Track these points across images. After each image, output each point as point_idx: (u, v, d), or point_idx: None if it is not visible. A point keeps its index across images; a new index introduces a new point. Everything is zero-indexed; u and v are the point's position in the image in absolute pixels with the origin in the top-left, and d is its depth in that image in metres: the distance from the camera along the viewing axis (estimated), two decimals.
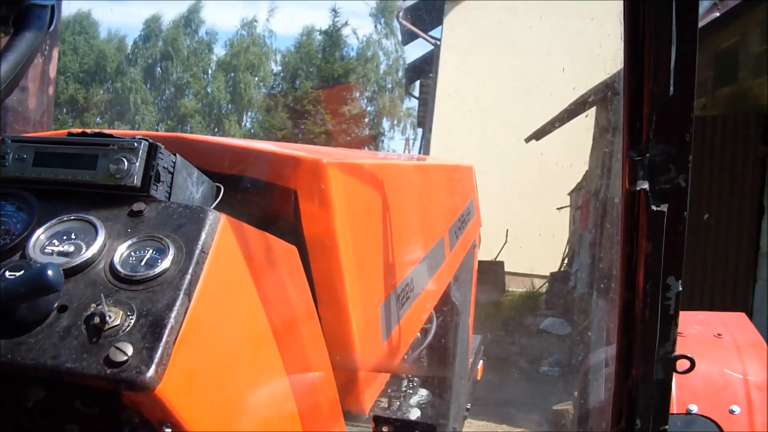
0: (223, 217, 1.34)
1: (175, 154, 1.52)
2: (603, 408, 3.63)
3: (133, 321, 1.18)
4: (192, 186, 1.60)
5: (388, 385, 2.58)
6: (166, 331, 1.16)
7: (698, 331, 3.14)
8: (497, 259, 18.60)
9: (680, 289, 1.51)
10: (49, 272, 1.13)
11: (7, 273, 1.26)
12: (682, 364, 1.62)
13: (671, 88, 1.34)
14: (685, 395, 2.44)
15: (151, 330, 1.17)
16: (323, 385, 1.75)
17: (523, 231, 18.35)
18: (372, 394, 2.20)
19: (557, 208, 19.92)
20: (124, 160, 1.39)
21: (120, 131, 1.57)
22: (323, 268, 1.80)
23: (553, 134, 15.96)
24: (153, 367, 1.12)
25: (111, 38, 54.12)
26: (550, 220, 19.66)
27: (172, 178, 1.50)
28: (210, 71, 55.39)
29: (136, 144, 1.40)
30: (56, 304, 1.22)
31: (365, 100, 47.98)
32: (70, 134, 1.49)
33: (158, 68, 53.85)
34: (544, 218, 19.48)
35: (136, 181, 1.39)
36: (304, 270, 1.66)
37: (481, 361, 4.56)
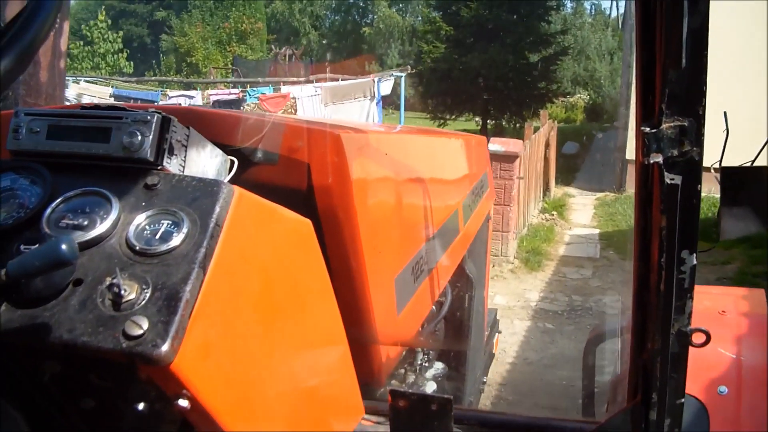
0: (237, 190, 1.34)
1: (188, 127, 1.52)
2: (606, 387, 3.64)
3: (148, 294, 1.19)
4: (206, 159, 1.60)
5: (403, 358, 2.60)
6: (182, 305, 1.17)
7: (705, 306, 3.09)
8: (756, 164, 9.33)
9: (695, 262, 1.51)
10: (64, 246, 1.14)
11: (22, 246, 1.27)
12: (698, 337, 1.62)
13: (683, 62, 1.33)
14: None
15: (167, 303, 1.17)
16: (339, 359, 1.76)
17: None
18: (388, 367, 2.21)
19: None
20: (138, 133, 1.39)
21: (134, 105, 1.57)
22: (337, 241, 1.80)
23: None
24: (168, 340, 1.13)
25: None
26: None
27: (186, 151, 1.50)
28: None
29: (149, 117, 1.41)
30: (71, 278, 1.23)
31: None
32: (83, 107, 1.49)
33: None
34: None
35: (150, 154, 1.39)
36: (319, 243, 1.66)
37: (497, 335, 4.57)
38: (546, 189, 16.92)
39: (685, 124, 1.38)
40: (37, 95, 2.55)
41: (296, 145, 1.77)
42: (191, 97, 19.67)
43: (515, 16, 29.24)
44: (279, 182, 1.78)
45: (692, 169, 1.42)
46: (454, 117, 30.01)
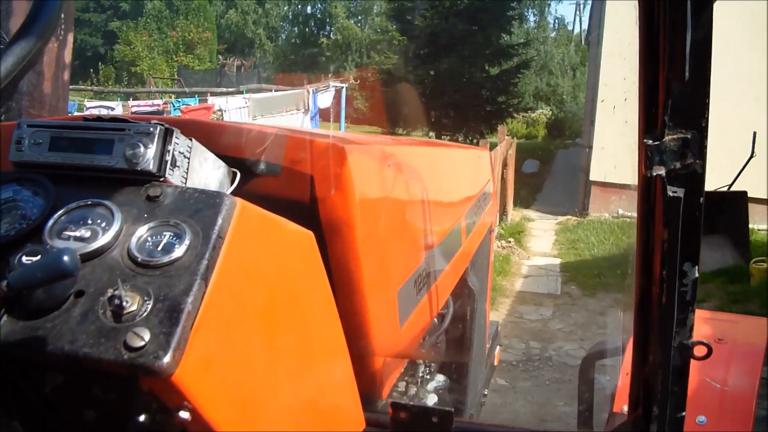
0: (239, 202, 1.34)
1: (191, 139, 1.52)
2: (603, 402, 3.64)
3: (150, 306, 1.19)
4: (208, 171, 1.60)
5: (405, 370, 2.59)
6: (183, 317, 1.16)
7: (702, 333, 3.09)
8: (732, 189, 11.13)
9: (697, 275, 1.52)
10: (66, 257, 1.14)
11: (24, 258, 1.27)
12: (700, 350, 1.62)
13: (686, 74, 1.34)
14: None
15: (168, 315, 1.17)
16: (340, 371, 1.75)
17: None
18: (389, 379, 2.21)
19: None
20: (140, 144, 1.39)
21: (136, 116, 1.57)
22: (340, 253, 1.80)
23: None
24: (170, 352, 1.13)
25: None
26: None
27: (189, 162, 1.50)
28: None
29: (151, 129, 1.41)
30: (73, 290, 1.23)
31: None
32: (85, 119, 1.50)
33: None
34: None
35: (152, 165, 1.39)
36: (321, 255, 1.66)
37: (498, 347, 4.57)
38: (503, 213, 15.74)
39: (688, 136, 1.38)
40: (41, 107, 2.55)
41: (299, 157, 1.77)
42: (111, 108, 19.01)
43: (474, 27, 27.88)
44: (282, 194, 1.78)
45: (695, 181, 1.42)
46: (406, 132, 27.68)
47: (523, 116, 35.19)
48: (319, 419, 1.65)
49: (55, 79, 2.60)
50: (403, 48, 27.77)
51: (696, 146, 1.39)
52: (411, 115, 25.66)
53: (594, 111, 16.93)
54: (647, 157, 1.42)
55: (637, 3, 1.38)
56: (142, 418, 1.25)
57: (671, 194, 1.42)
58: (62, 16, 1.75)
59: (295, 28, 59.87)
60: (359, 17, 56.52)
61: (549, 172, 24.07)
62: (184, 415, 1.19)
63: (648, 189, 1.50)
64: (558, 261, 13.22)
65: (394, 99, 26.66)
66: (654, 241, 1.55)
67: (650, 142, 1.41)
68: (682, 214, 1.44)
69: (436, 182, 2.71)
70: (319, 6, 58.55)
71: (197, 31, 48.93)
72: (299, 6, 58.60)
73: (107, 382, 1.26)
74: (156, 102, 20.63)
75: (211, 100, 20.34)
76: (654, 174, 1.42)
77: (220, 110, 19.36)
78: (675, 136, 1.39)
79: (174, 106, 19.33)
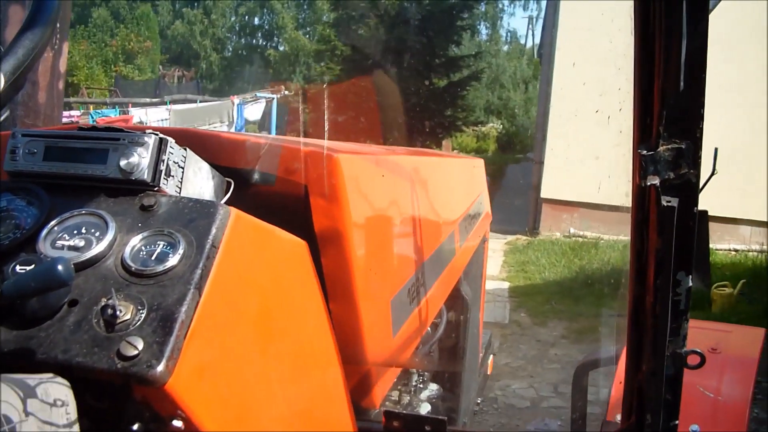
0: (233, 212, 1.34)
1: (185, 148, 1.52)
2: (596, 410, 3.64)
3: (143, 315, 1.19)
4: (202, 180, 1.60)
5: (398, 379, 2.59)
6: (177, 326, 1.17)
7: (697, 342, 3.11)
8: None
9: (690, 284, 1.52)
10: (60, 267, 1.13)
11: (18, 267, 1.26)
12: (693, 359, 1.62)
13: (682, 84, 1.34)
14: None
15: (162, 324, 1.17)
16: (333, 380, 1.75)
17: (742, 148, 12.48)
18: (382, 388, 2.20)
19: None
20: (135, 154, 1.39)
21: (132, 125, 1.58)
22: (333, 262, 1.80)
23: None
24: (163, 361, 1.13)
25: None
26: None
27: (183, 172, 1.50)
28: None
29: (146, 138, 1.41)
30: (67, 299, 1.23)
31: None
32: (80, 128, 1.50)
33: None
34: None
35: (147, 175, 1.39)
36: (315, 264, 1.66)
37: (491, 356, 4.57)
38: None
39: (683, 146, 1.39)
40: (36, 116, 2.56)
41: (293, 167, 1.77)
42: None
43: (421, 37, 26.46)
44: (276, 203, 1.77)
45: (689, 191, 1.42)
46: None
47: (473, 130, 34.14)
48: (310, 428, 1.65)
49: (50, 89, 2.59)
50: (346, 58, 26.90)
51: (690, 156, 1.39)
52: (354, 127, 25.07)
53: (546, 125, 15.89)
54: (641, 167, 1.42)
55: (632, 12, 1.39)
56: (135, 426, 1.25)
57: (665, 204, 1.43)
58: (57, 25, 1.75)
59: (242, 40, 59.80)
60: (308, 29, 56.21)
61: (498, 187, 21.92)
62: (177, 423, 1.18)
63: (642, 198, 1.51)
64: (506, 285, 11.95)
65: (337, 110, 25.83)
66: (648, 250, 1.55)
67: (644, 152, 1.41)
68: (676, 223, 1.45)
69: (430, 192, 2.71)
70: (266, 17, 58.40)
71: (138, 40, 48.03)
72: (246, 17, 58.41)
73: (100, 391, 1.26)
74: (73, 113, 19.89)
75: (132, 111, 19.92)
76: (648, 184, 1.42)
77: (140, 122, 18.74)
78: (669, 146, 1.39)
79: (92, 117, 18.82)
